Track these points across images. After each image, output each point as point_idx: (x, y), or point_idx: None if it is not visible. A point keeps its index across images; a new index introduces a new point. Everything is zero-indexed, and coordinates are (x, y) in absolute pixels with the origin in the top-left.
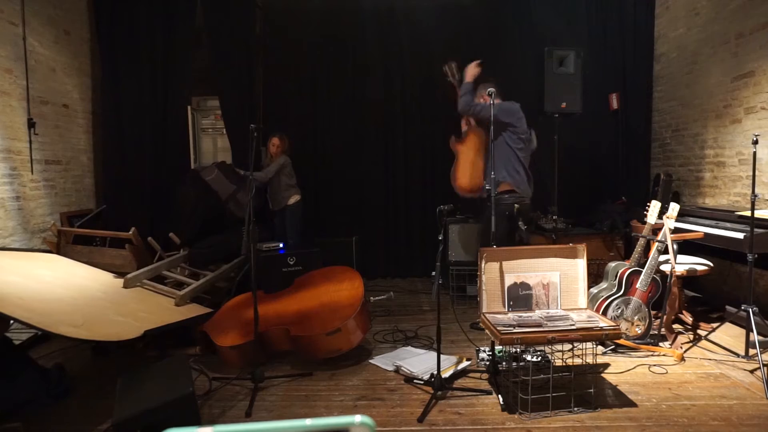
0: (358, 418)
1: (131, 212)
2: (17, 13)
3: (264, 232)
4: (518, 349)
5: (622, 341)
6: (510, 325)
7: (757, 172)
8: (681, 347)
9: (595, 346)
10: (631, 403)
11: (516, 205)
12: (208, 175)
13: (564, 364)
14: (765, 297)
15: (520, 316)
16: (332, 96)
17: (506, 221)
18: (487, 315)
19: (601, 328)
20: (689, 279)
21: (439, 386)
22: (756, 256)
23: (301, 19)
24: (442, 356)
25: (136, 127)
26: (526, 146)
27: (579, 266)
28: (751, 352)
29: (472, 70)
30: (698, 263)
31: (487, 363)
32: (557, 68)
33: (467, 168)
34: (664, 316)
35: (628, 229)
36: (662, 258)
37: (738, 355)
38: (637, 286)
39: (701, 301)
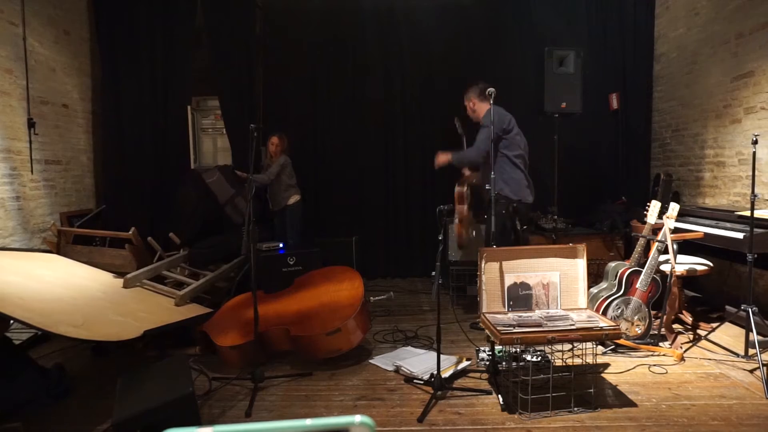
0: (358, 418)
1: (131, 212)
2: (17, 13)
3: (264, 232)
4: (518, 349)
5: (622, 341)
6: (510, 325)
7: (756, 172)
8: (681, 347)
9: (595, 346)
10: (631, 403)
11: (513, 205)
12: (210, 178)
13: (564, 364)
14: (764, 297)
15: (520, 316)
16: (332, 96)
17: (503, 221)
18: (487, 315)
19: (601, 328)
20: (689, 279)
21: (439, 386)
22: (756, 256)
23: (301, 19)
24: (442, 356)
25: (136, 127)
26: (524, 149)
27: (579, 266)
28: (751, 351)
29: (441, 159)
30: (698, 263)
31: (487, 363)
32: (557, 68)
33: (461, 234)
34: (664, 316)
35: (628, 229)
36: (662, 258)
37: (738, 355)
38: (637, 286)
39: (701, 301)
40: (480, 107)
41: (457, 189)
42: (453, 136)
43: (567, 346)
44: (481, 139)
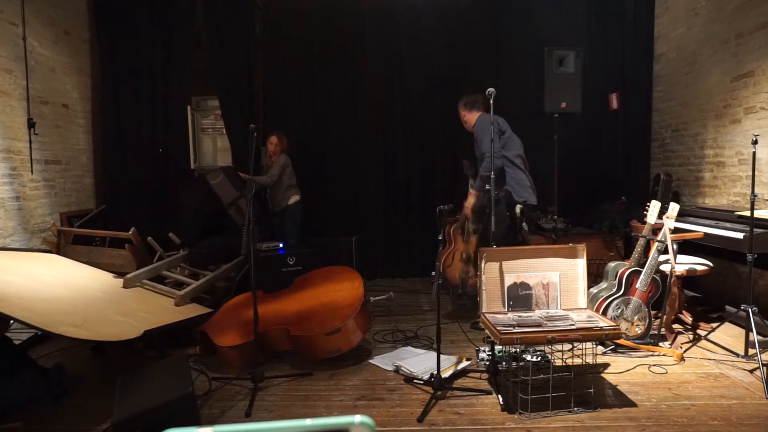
0: (358, 418)
1: (131, 212)
2: (17, 13)
3: (264, 232)
4: (518, 349)
5: (621, 341)
6: (510, 325)
7: (756, 172)
8: (681, 347)
9: (594, 346)
10: (631, 403)
11: (519, 206)
12: (213, 179)
13: (564, 364)
14: (764, 297)
15: (520, 316)
16: (332, 96)
17: (506, 223)
18: (487, 315)
19: (601, 328)
20: (689, 279)
21: (439, 386)
22: (755, 256)
23: (301, 19)
24: (441, 356)
25: (135, 127)
26: (520, 148)
27: (579, 266)
28: (751, 351)
29: (470, 201)
30: (698, 263)
31: (487, 363)
32: (557, 68)
33: (451, 266)
34: (664, 316)
35: (628, 229)
36: (662, 258)
37: (737, 355)
38: (637, 286)
39: (701, 301)
40: (470, 117)
41: (449, 228)
42: (452, 136)
43: (567, 346)
44: (485, 146)
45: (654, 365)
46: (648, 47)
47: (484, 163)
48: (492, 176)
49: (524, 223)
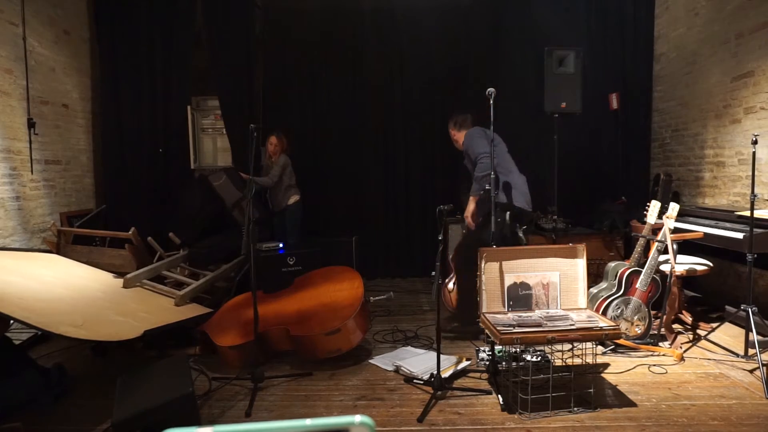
0: (358, 418)
1: (131, 212)
2: (17, 13)
3: (264, 232)
4: (518, 349)
5: (621, 341)
6: (510, 325)
7: (756, 172)
8: (681, 347)
9: (594, 346)
10: (631, 403)
11: (514, 212)
12: (216, 181)
13: (564, 364)
14: (764, 297)
15: (520, 316)
16: (332, 96)
17: (501, 230)
18: (487, 315)
19: (601, 328)
20: (689, 279)
21: (439, 386)
22: (755, 256)
23: (301, 18)
24: (441, 356)
25: (135, 127)
26: (509, 157)
27: (579, 266)
28: (751, 351)
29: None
30: (698, 263)
31: (487, 363)
32: (557, 68)
33: (453, 292)
34: (664, 316)
35: (628, 229)
36: (662, 258)
37: (737, 355)
38: (636, 286)
39: (701, 301)
40: (459, 136)
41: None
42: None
43: (567, 346)
44: (479, 148)
45: (654, 365)
46: (648, 47)
47: (480, 165)
48: (492, 176)
49: (519, 229)
